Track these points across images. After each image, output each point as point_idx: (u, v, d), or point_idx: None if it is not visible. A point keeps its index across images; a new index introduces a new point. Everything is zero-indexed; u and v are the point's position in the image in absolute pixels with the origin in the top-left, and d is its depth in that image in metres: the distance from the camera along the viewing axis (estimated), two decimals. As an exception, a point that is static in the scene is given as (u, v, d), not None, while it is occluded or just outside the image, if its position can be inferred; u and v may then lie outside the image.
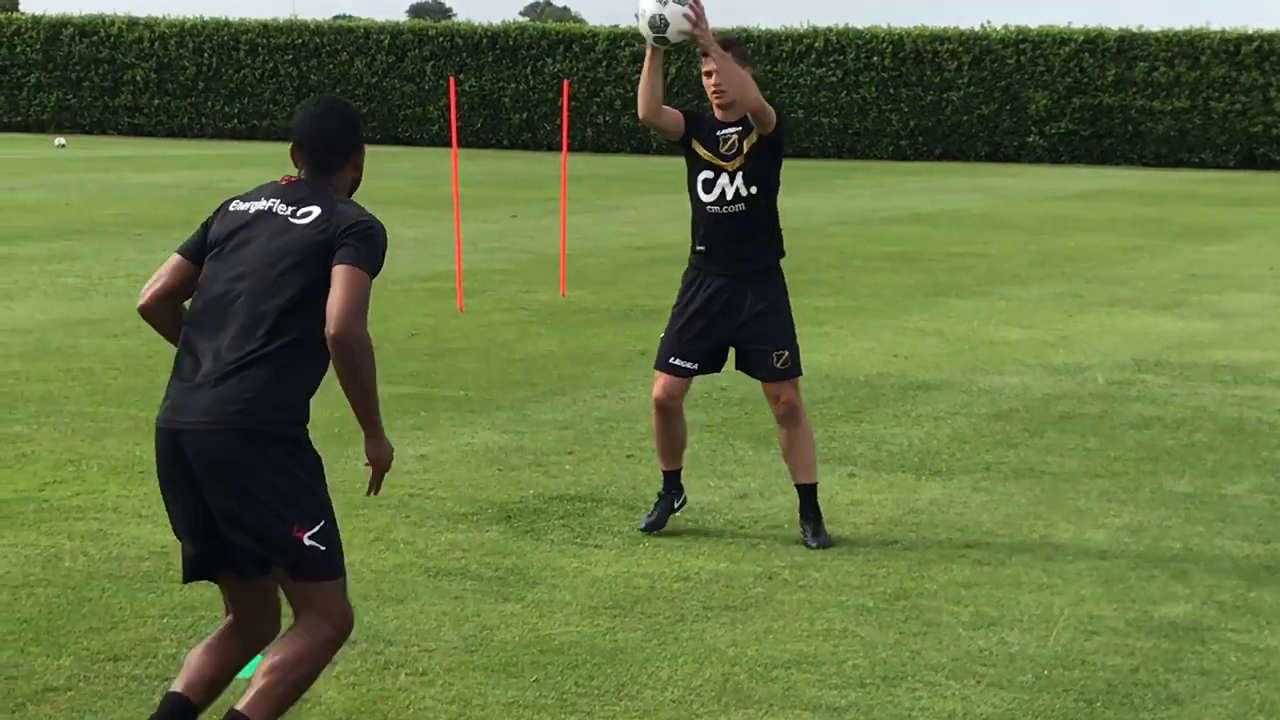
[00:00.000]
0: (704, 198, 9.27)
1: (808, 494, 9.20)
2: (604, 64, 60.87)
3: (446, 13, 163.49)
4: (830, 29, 57.84)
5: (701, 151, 9.26)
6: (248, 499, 5.57)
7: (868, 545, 9.05)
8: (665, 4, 8.76)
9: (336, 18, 75.47)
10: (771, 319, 9.23)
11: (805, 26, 58.24)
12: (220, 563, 5.75)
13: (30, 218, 27.57)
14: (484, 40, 63.03)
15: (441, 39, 63.88)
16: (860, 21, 59.77)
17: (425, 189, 36.02)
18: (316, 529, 5.67)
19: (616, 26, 62.55)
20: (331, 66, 64.85)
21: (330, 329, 5.51)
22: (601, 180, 40.43)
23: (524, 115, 61.53)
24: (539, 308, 17.99)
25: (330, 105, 6.01)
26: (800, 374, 9.30)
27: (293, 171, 5.94)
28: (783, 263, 9.48)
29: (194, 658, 5.85)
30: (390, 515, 9.41)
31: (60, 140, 56.94)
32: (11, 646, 7.11)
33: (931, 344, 16.13)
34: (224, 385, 5.55)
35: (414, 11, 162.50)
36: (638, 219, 30.20)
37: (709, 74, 9.11)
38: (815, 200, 35.37)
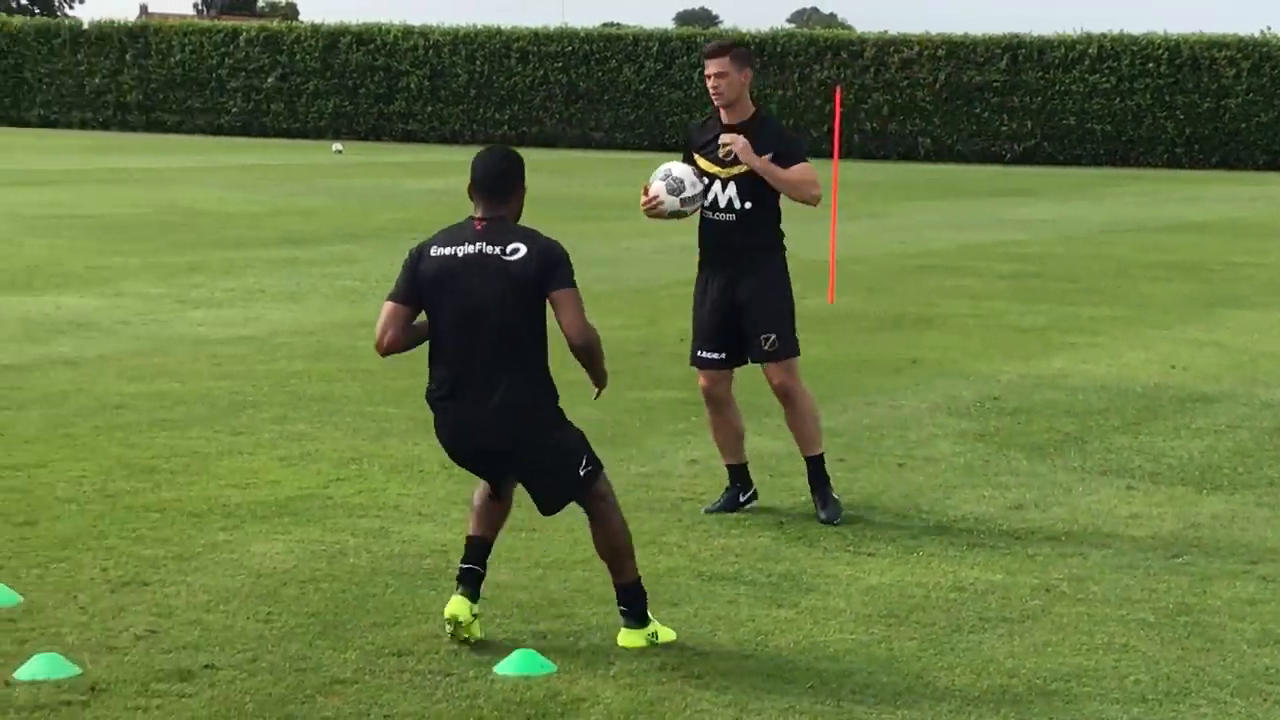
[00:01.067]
0: (704, 203, 9.63)
1: (813, 466, 9.72)
2: (872, 70, 60.62)
3: (714, 20, 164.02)
4: (1104, 35, 57.01)
5: (703, 163, 9.64)
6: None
7: (1148, 559, 8.90)
8: (684, 206, 9.46)
9: (605, 25, 76.10)
10: (762, 304, 9.61)
11: (1079, 33, 57.46)
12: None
13: (311, 222, 28.23)
14: (751, 47, 63.06)
15: (710, 46, 64.08)
16: (1135, 28, 58.64)
17: (693, 195, 36.16)
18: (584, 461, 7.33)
19: (885, 33, 62.25)
20: (600, 73, 65.39)
21: (574, 341, 7.08)
22: (869, 187, 40.25)
23: (790, 121, 61.41)
24: (808, 314, 17.85)
25: (501, 152, 7.37)
26: (792, 355, 9.66)
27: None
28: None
29: (480, 505, 7.47)
30: (663, 519, 9.48)
31: (338, 146, 58.20)
32: (300, 639, 7.29)
33: (1210, 355, 15.82)
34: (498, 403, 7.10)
35: (681, 19, 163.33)
36: (906, 225, 30.02)
37: (710, 76, 9.53)
38: (1087, 208, 34.86)
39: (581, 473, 7.28)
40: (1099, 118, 56.38)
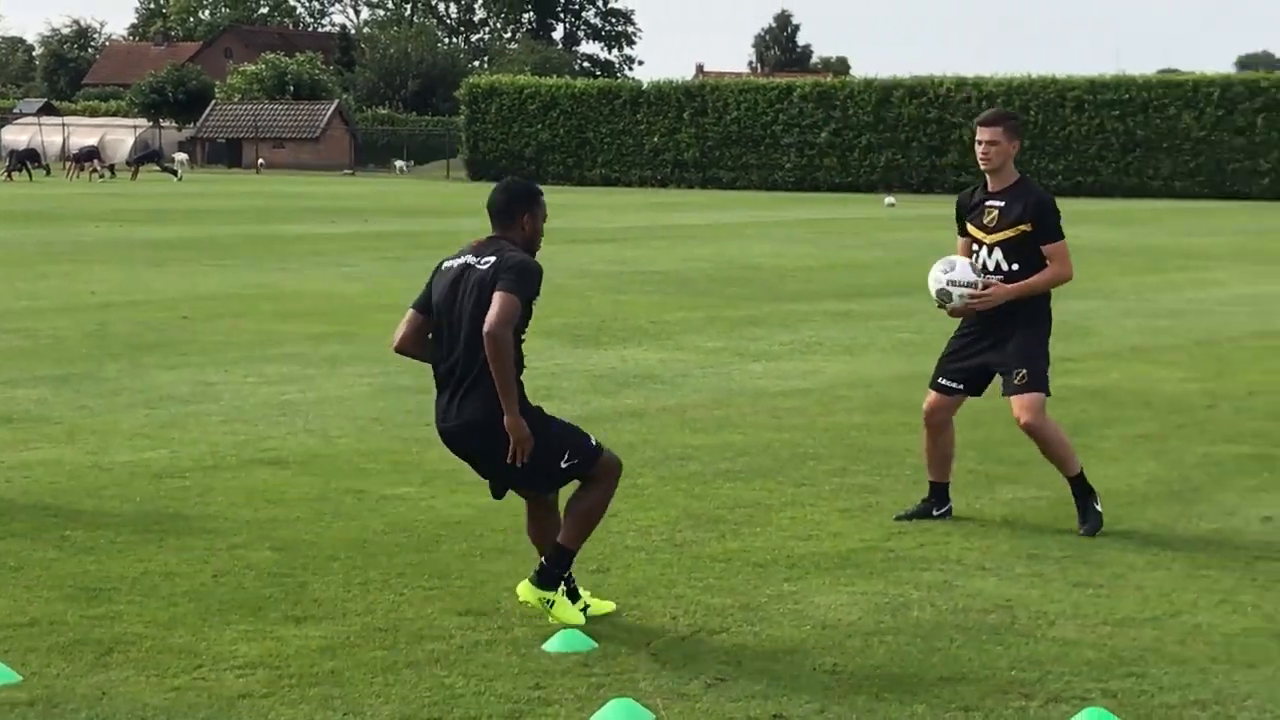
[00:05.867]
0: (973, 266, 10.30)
1: (1074, 484, 10.24)
2: None
3: (1278, 64, 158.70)
4: None
5: (971, 230, 10.35)
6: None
7: None
8: (950, 286, 10.12)
9: (1162, 71, 74.53)
10: (1020, 342, 10.14)
11: None
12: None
13: (865, 275, 28.43)
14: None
15: (1274, 90, 62.07)
16: None
17: (1259, 243, 35.07)
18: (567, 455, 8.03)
19: None
20: (1159, 120, 64.09)
21: (485, 329, 7.65)
22: None
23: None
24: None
25: (504, 185, 8.17)
26: (1039, 390, 10.06)
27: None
28: None
29: (530, 534, 8.37)
30: (1236, 577, 9.17)
31: (890, 199, 58.48)
32: (867, 692, 7.30)
33: None
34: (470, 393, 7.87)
35: (1242, 63, 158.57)
36: None
37: (981, 143, 10.22)
38: None
39: (564, 465, 7.99)
40: None
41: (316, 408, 14.49)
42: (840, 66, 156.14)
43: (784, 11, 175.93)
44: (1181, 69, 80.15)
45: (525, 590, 8.01)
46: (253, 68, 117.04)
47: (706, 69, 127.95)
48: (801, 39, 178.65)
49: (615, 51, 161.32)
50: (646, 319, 21.65)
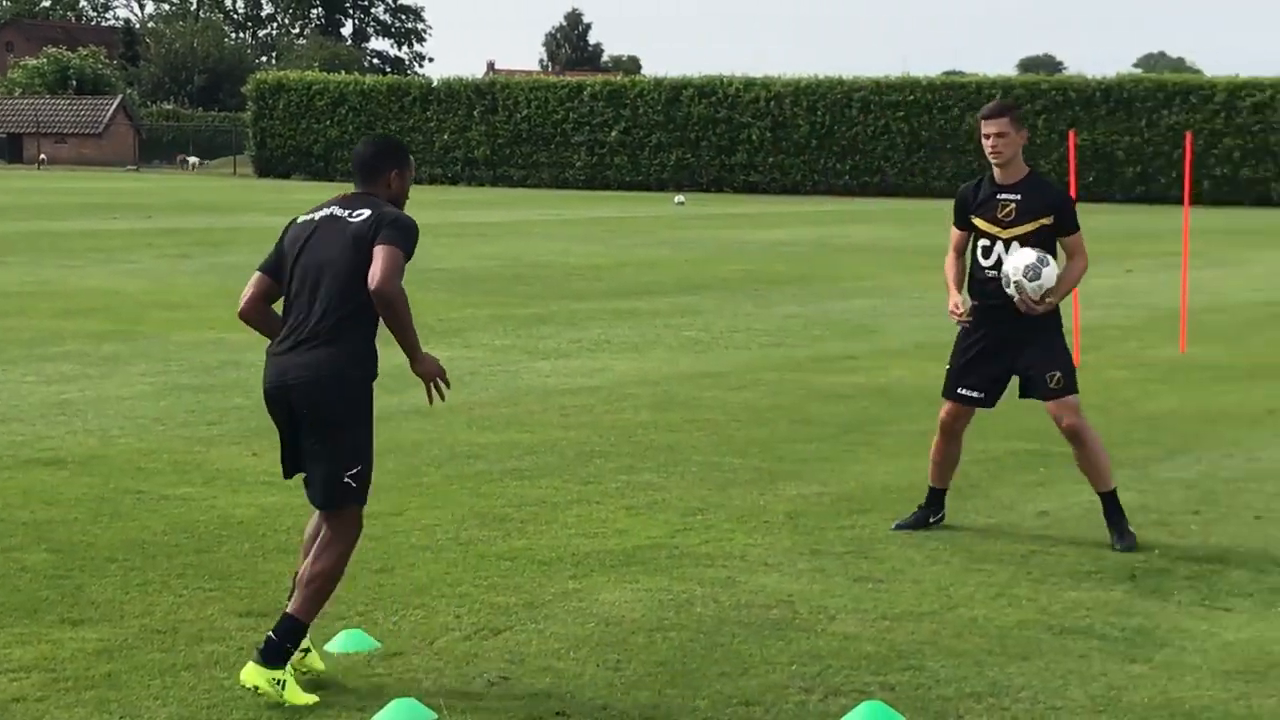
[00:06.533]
0: (982, 262, 10.02)
1: (1107, 501, 9.99)
2: (1222, 115, 59.28)
3: (1058, 65, 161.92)
4: None
5: (981, 224, 10.01)
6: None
7: None
8: (1030, 279, 9.73)
9: (947, 73, 75.65)
10: (1045, 345, 9.92)
11: None
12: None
13: (654, 273, 28.55)
14: (1097, 93, 62.19)
15: (1054, 93, 63.32)
16: None
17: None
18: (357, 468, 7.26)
19: (1236, 76, 60.83)
20: (943, 122, 65.04)
21: (374, 285, 7.04)
22: (1220, 234, 39.33)
23: (1138, 168, 60.36)
24: (1158, 364, 17.60)
25: (370, 139, 7.67)
26: (1075, 391, 9.87)
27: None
28: None
29: (308, 536, 7.44)
30: (1012, 571, 9.35)
31: (680, 198, 58.79)
32: (649, 688, 7.35)
33: None
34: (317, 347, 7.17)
35: (1024, 65, 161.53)
36: (1261, 274, 29.24)
37: (988, 136, 9.89)
38: None
39: (346, 477, 7.18)
40: None
41: (96, 407, 14.25)
42: (632, 65, 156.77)
43: (574, 10, 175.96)
44: (966, 71, 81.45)
45: (251, 674, 6.99)
46: (34, 62, 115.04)
47: (498, 67, 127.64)
48: (593, 38, 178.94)
49: (405, 48, 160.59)
50: (434, 317, 21.55)
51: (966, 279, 10.20)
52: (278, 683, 6.96)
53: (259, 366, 8.71)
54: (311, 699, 7.02)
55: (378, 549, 9.46)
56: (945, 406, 10.25)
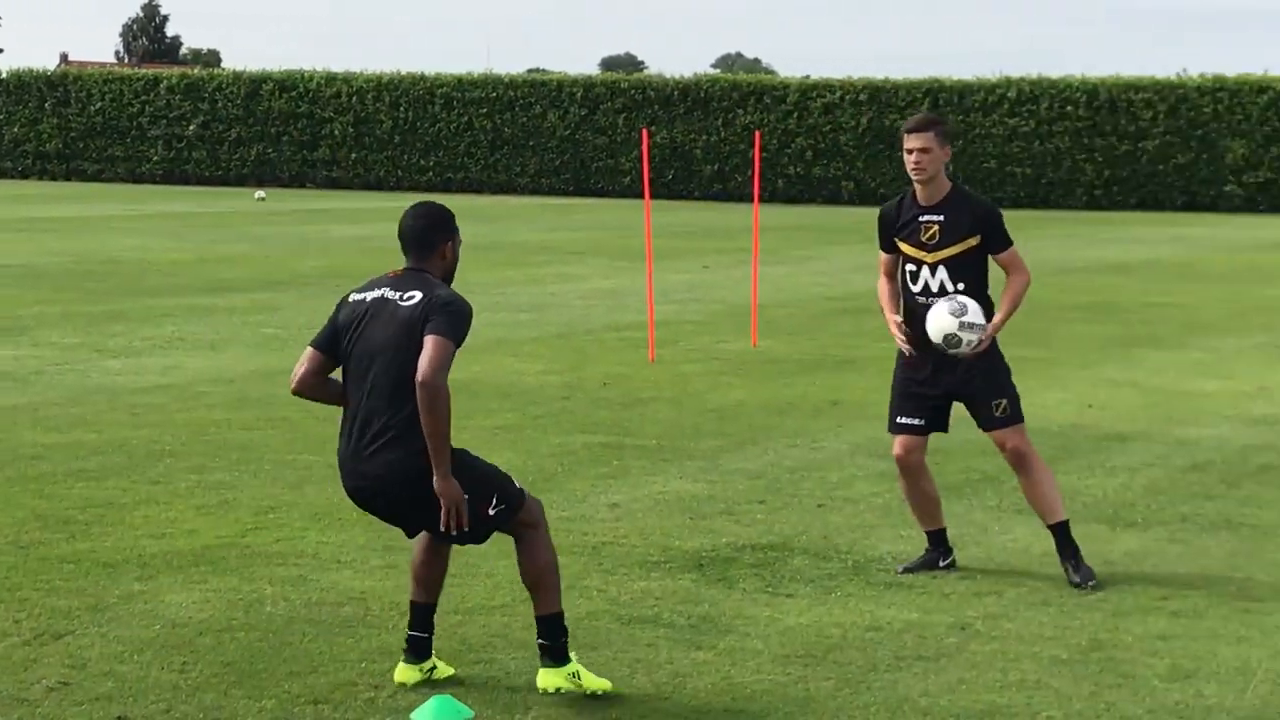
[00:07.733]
0: (912, 288, 9.39)
1: (1058, 533, 9.37)
2: (795, 115, 60.88)
3: (639, 65, 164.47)
4: (1023, 79, 57.46)
5: (905, 248, 9.37)
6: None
7: (1061, 596, 8.97)
8: (963, 330, 9.06)
9: (530, 71, 76.21)
10: (986, 372, 9.33)
11: (998, 76, 57.90)
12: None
13: (233, 269, 28.14)
14: (675, 93, 63.29)
15: (633, 91, 64.25)
16: (1054, 71, 59.12)
17: (618, 240, 36.27)
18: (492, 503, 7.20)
19: (807, 78, 62.56)
20: (525, 119, 65.47)
21: (419, 377, 6.86)
22: (793, 231, 40.43)
23: (715, 167, 61.66)
24: (731, 357, 18.02)
25: (418, 209, 7.44)
26: (1022, 420, 9.40)
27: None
28: None
29: (417, 565, 7.49)
30: (584, 563, 9.48)
31: (260, 193, 58.04)
32: (215, 689, 7.26)
33: (1126, 395, 15.95)
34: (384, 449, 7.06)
35: (606, 64, 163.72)
36: (829, 269, 30.16)
37: (911, 151, 9.22)
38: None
39: (492, 512, 7.17)
40: (1018, 160, 56.82)
41: None
42: (212, 59, 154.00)
43: (151, 2, 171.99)
44: (549, 69, 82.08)
45: (548, 678, 7.23)
46: None
47: (72, 58, 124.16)
48: (171, 29, 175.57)
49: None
50: None
51: (902, 305, 9.47)
52: (574, 675, 7.24)
53: None
54: (605, 683, 7.29)
55: (-67, 555, 9.15)
56: (894, 444, 9.54)
